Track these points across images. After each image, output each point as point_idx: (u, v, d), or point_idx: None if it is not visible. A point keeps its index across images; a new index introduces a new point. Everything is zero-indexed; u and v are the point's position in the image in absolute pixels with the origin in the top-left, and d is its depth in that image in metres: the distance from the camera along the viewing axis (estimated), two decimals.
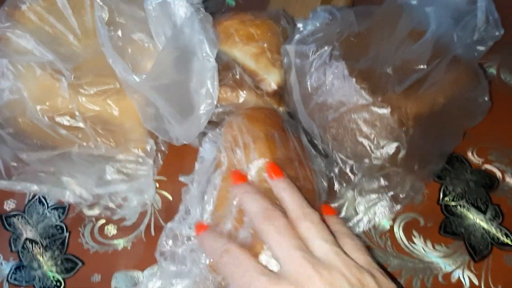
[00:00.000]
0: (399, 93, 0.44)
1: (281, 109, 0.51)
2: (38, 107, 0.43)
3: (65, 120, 0.44)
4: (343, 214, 0.49)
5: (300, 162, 0.43)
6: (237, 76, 0.49)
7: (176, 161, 0.54)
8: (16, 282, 0.48)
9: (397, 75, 0.44)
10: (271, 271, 0.32)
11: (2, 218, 0.52)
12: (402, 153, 0.44)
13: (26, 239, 0.50)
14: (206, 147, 0.44)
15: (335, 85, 0.45)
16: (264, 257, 0.35)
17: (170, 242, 0.41)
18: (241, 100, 0.49)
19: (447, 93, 0.46)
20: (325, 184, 0.46)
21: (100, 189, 0.48)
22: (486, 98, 0.48)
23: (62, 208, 0.52)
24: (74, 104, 0.44)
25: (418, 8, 0.53)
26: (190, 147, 0.52)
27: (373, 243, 0.48)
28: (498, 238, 0.47)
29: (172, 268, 0.40)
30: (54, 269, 0.48)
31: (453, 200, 0.50)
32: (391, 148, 0.44)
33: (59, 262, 0.49)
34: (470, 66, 0.49)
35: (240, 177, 0.38)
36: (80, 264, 0.49)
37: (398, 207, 0.49)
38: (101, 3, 0.44)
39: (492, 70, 0.60)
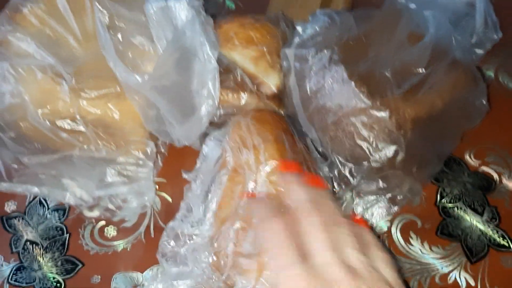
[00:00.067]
0: (397, 96, 0.44)
1: (280, 112, 0.51)
2: (39, 111, 0.43)
3: (66, 124, 0.44)
4: None
5: (307, 166, 0.43)
6: (238, 79, 0.49)
7: (176, 163, 0.54)
8: (16, 283, 0.48)
9: (395, 78, 0.45)
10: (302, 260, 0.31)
11: (2, 219, 0.52)
12: (400, 156, 0.45)
13: (27, 240, 0.50)
14: (210, 145, 0.44)
15: (335, 88, 0.45)
16: None
17: (172, 242, 0.41)
18: (242, 102, 0.49)
19: (445, 96, 0.47)
20: (330, 187, 0.46)
21: (101, 191, 0.49)
22: (484, 101, 0.49)
23: (62, 209, 0.52)
24: (75, 108, 0.44)
25: (416, 11, 0.53)
26: (190, 149, 0.52)
27: None
28: (494, 240, 0.48)
29: (174, 269, 0.40)
30: (54, 270, 0.49)
31: (450, 202, 0.50)
32: (389, 151, 0.45)
33: (59, 263, 0.49)
34: (468, 69, 0.49)
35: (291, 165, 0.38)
36: (80, 265, 0.49)
37: (396, 208, 0.50)
38: (101, 8, 0.44)
39: (490, 73, 0.60)
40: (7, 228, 0.51)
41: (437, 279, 0.46)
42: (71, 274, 0.48)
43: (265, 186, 0.39)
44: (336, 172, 0.48)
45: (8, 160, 0.47)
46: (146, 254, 0.49)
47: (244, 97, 0.49)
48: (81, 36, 0.50)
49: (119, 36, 0.46)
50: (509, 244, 0.47)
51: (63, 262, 0.49)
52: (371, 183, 0.48)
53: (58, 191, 0.49)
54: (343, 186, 0.48)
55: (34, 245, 0.50)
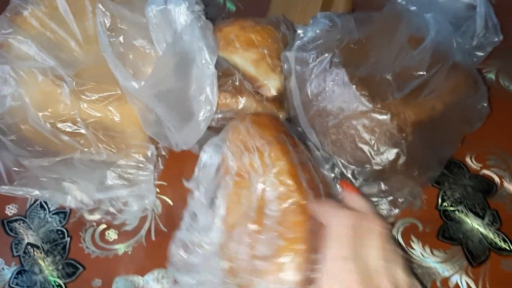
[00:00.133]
0: (398, 99, 0.44)
1: (280, 115, 0.51)
2: (40, 114, 0.43)
3: (67, 126, 0.44)
4: None
5: (312, 166, 0.44)
6: (237, 83, 0.49)
7: (176, 166, 0.54)
8: (18, 287, 0.48)
9: (396, 81, 0.45)
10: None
11: (3, 223, 0.52)
12: (402, 159, 0.45)
13: (28, 243, 0.50)
14: (208, 152, 0.44)
15: (335, 91, 0.45)
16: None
17: (182, 251, 0.41)
18: (240, 106, 0.49)
19: (446, 99, 0.47)
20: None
21: (101, 194, 0.49)
22: (485, 104, 0.49)
23: (63, 213, 0.52)
24: (75, 110, 0.44)
25: (417, 14, 0.53)
26: (191, 152, 0.52)
27: None
28: (495, 244, 0.48)
29: (188, 279, 0.40)
30: (55, 273, 0.49)
31: (451, 206, 0.50)
32: (391, 154, 0.45)
33: (60, 267, 0.49)
34: (469, 72, 0.49)
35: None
36: (81, 268, 0.49)
37: (397, 211, 0.50)
38: (103, 9, 0.44)
39: (491, 76, 0.60)
40: (8, 231, 0.51)
41: (438, 283, 0.46)
42: (72, 278, 0.48)
43: (273, 187, 0.39)
44: (338, 174, 0.48)
45: (9, 163, 0.47)
46: (147, 258, 0.49)
47: (242, 101, 0.49)
48: (82, 39, 0.50)
49: (121, 38, 0.46)
50: (510, 248, 0.47)
51: (64, 266, 0.49)
52: (373, 185, 0.48)
53: (59, 194, 0.49)
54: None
55: (35, 248, 0.50)
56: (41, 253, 0.50)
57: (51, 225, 0.51)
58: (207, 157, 0.44)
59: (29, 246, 0.50)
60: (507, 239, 0.48)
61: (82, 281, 0.48)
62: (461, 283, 0.46)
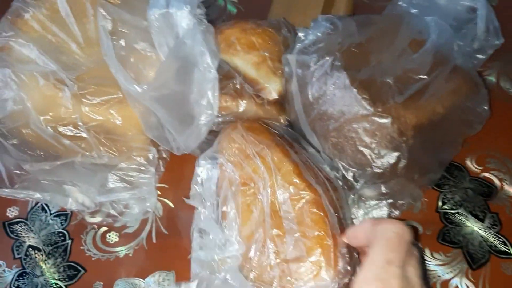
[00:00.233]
0: (399, 103, 0.44)
1: (281, 118, 0.51)
2: (42, 117, 0.43)
3: (68, 130, 0.44)
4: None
5: (313, 163, 0.44)
6: (237, 86, 0.49)
7: (177, 168, 0.54)
8: None
9: (397, 85, 0.45)
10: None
11: (5, 225, 0.52)
12: (402, 163, 0.45)
13: (29, 246, 0.51)
14: (204, 165, 0.44)
15: (336, 95, 0.45)
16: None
17: (208, 272, 0.40)
18: (241, 109, 0.49)
19: (447, 102, 0.47)
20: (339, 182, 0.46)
21: (103, 197, 0.49)
22: (486, 107, 0.49)
23: (64, 215, 0.52)
24: (77, 114, 0.44)
25: (418, 17, 0.53)
26: (192, 154, 0.52)
27: None
28: (495, 247, 0.48)
29: None
30: (56, 276, 0.49)
31: (451, 208, 0.50)
32: (391, 157, 0.45)
33: (61, 269, 0.49)
34: (470, 75, 0.50)
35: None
36: (82, 271, 0.49)
37: (397, 213, 0.50)
38: (104, 13, 0.44)
39: (492, 78, 0.60)
40: (9, 234, 0.52)
41: (438, 286, 0.46)
42: (74, 280, 0.48)
43: (283, 189, 0.39)
44: (339, 176, 0.48)
45: (10, 166, 0.47)
46: (148, 260, 0.49)
47: (243, 104, 0.49)
48: (83, 42, 0.50)
49: (122, 41, 0.46)
50: (510, 251, 0.47)
51: (66, 268, 0.49)
52: (373, 188, 0.48)
53: (60, 196, 0.49)
54: (346, 190, 0.49)
55: (36, 251, 0.50)
56: (42, 255, 0.50)
57: (52, 228, 0.52)
58: (204, 171, 0.44)
59: (30, 249, 0.50)
60: (507, 242, 0.48)
61: (83, 284, 0.48)
62: (461, 286, 0.46)
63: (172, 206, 0.52)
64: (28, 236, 0.51)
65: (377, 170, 0.46)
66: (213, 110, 0.44)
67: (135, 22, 0.47)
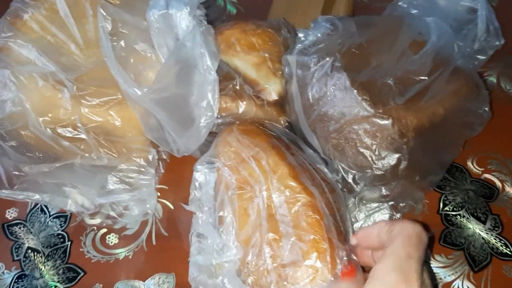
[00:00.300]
0: (400, 104, 0.44)
1: (281, 119, 0.51)
2: (41, 119, 0.43)
3: (68, 132, 0.44)
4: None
5: (309, 164, 0.44)
6: (237, 87, 0.49)
7: (177, 169, 0.54)
8: None
9: (398, 86, 0.45)
10: None
11: (4, 227, 0.52)
12: (403, 164, 0.45)
13: (28, 248, 0.50)
14: (202, 170, 0.44)
15: (337, 96, 0.45)
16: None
17: (205, 276, 0.40)
18: (240, 110, 0.49)
19: (447, 104, 0.47)
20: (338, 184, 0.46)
21: (102, 199, 0.48)
22: (487, 109, 0.49)
23: (63, 217, 0.52)
24: (76, 115, 0.44)
25: (418, 18, 0.53)
26: (192, 156, 0.52)
27: None
28: (497, 249, 0.47)
29: None
30: (56, 278, 0.48)
31: (453, 210, 0.50)
32: (392, 159, 0.45)
33: (60, 272, 0.49)
34: (471, 77, 0.49)
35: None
36: (81, 273, 0.49)
37: (398, 215, 0.49)
38: (105, 14, 0.44)
39: (492, 79, 0.60)
40: (9, 235, 0.51)
41: None
42: (73, 283, 0.48)
43: (279, 192, 0.39)
44: (339, 178, 0.48)
45: (10, 167, 0.46)
46: (147, 262, 0.49)
47: (242, 105, 0.49)
48: (83, 43, 0.50)
49: (122, 42, 0.46)
50: (511, 253, 0.47)
51: (65, 270, 0.49)
52: (374, 190, 0.48)
53: (60, 198, 0.49)
54: (347, 193, 0.48)
55: (35, 253, 0.50)
56: (41, 257, 0.50)
57: (51, 229, 0.51)
58: (202, 176, 0.44)
59: (30, 250, 0.50)
60: (509, 244, 0.48)
61: (83, 286, 0.48)
62: None
63: (172, 207, 0.52)
64: (27, 238, 0.51)
65: (377, 172, 0.45)
66: (213, 112, 0.44)
67: (135, 22, 0.47)
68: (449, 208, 0.50)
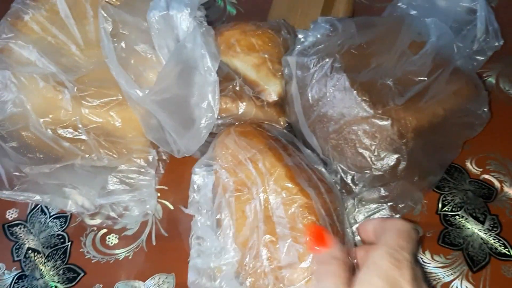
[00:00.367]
0: (399, 105, 0.44)
1: (281, 120, 0.51)
2: (41, 120, 0.43)
3: (68, 132, 0.44)
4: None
5: (307, 165, 0.44)
6: (237, 88, 0.49)
7: (177, 170, 0.54)
8: None
9: (397, 87, 0.45)
10: None
11: (4, 227, 0.52)
12: (402, 165, 0.45)
13: (28, 248, 0.50)
14: (200, 173, 0.44)
15: (336, 97, 0.45)
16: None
17: (204, 280, 0.40)
18: (240, 111, 0.49)
19: (447, 104, 0.47)
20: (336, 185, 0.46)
21: (103, 200, 0.49)
22: (486, 109, 0.49)
23: (64, 217, 0.52)
24: (77, 116, 0.44)
25: (418, 18, 0.53)
26: (191, 156, 0.52)
27: None
28: (496, 249, 0.48)
29: None
30: (56, 279, 0.49)
31: (452, 211, 0.50)
32: (391, 159, 0.45)
33: (61, 272, 0.49)
34: (470, 77, 0.49)
35: (317, 232, 0.36)
36: (82, 273, 0.49)
37: (397, 216, 0.50)
38: (105, 15, 0.44)
39: (492, 80, 0.60)
40: (9, 236, 0.51)
41: None
42: (73, 283, 0.48)
43: (275, 194, 0.39)
44: (338, 179, 0.48)
45: (10, 168, 0.47)
46: (147, 263, 0.49)
47: (242, 106, 0.49)
48: (83, 44, 0.50)
49: (123, 43, 0.46)
50: (510, 253, 0.47)
51: (65, 271, 0.49)
52: (373, 191, 0.48)
53: (60, 199, 0.49)
54: (345, 194, 0.49)
55: (35, 253, 0.50)
56: (41, 258, 0.50)
57: (51, 230, 0.51)
58: (200, 178, 0.44)
59: (30, 251, 0.50)
60: (507, 245, 0.48)
61: (83, 286, 0.48)
62: None
63: (172, 208, 0.52)
64: (27, 238, 0.51)
65: (376, 173, 0.45)
66: (213, 113, 0.44)
67: (135, 23, 0.47)
68: (448, 208, 0.51)
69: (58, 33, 0.49)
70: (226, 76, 0.50)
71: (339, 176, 0.48)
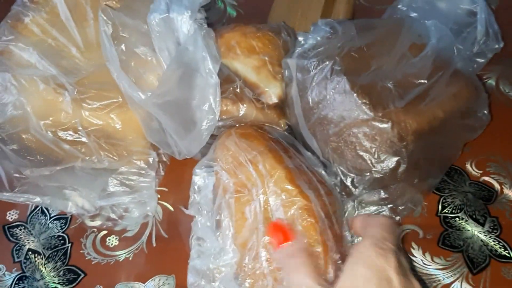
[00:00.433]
0: (400, 108, 0.44)
1: (281, 122, 0.51)
2: (42, 122, 0.43)
3: (68, 135, 0.44)
4: None
5: (307, 167, 0.44)
6: (238, 90, 0.49)
7: (177, 171, 0.54)
8: None
9: (398, 90, 0.45)
10: None
11: (5, 228, 0.52)
12: (402, 167, 0.45)
13: (29, 249, 0.51)
14: (200, 174, 0.44)
15: (337, 99, 0.45)
16: None
17: (203, 281, 0.40)
18: (241, 113, 0.49)
19: (447, 107, 0.47)
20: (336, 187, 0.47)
21: (103, 201, 0.49)
22: (486, 112, 0.49)
23: (64, 218, 0.52)
24: (77, 119, 0.44)
25: (418, 20, 0.53)
26: (191, 158, 0.52)
27: None
28: (496, 251, 0.48)
29: None
30: (56, 280, 0.49)
31: (452, 212, 0.50)
32: (391, 162, 0.45)
33: (61, 273, 0.49)
34: (470, 80, 0.50)
35: (285, 234, 0.37)
36: (82, 275, 0.49)
37: (397, 218, 0.50)
38: (105, 18, 0.44)
39: (492, 82, 0.60)
40: (9, 237, 0.52)
41: None
42: (73, 284, 0.48)
43: (275, 195, 0.39)
44: (338, 181, 0.48)
45: (10, 170, 0.47)
46: (147, 264, 0.49)
47: (243, 108, 0.49)
48: (83, 46, 0.50)
49: (123, 46, 0.46)
50: (510, 255, 0.47)
51: (65, 272, 0.49)
52: (373, 193, 0.48)
53: (60, 200, 0.49)
54: (345, 196, 0.49)
55: (36, 254, 0.50)
56: (42, 259, 0.50)
57: (52, 231, 0.52)
58: (201, 180, 0.44)
59: (30, 252, 0.50)
60: (507, 247, 0.48)
61: None
62: None
63: (172, 209, 0.52)
64: (28, 240, 0.51)
65: (376, 175, 0.46)
66: (215, 115, 0.44)
67: (135, 26, 0.47)
68: (448, 210, 0.51)
69: (58, 35, 0.49)
70: (226, 78, 0.50)
71: (339, 178, 0.48)
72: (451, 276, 0.47)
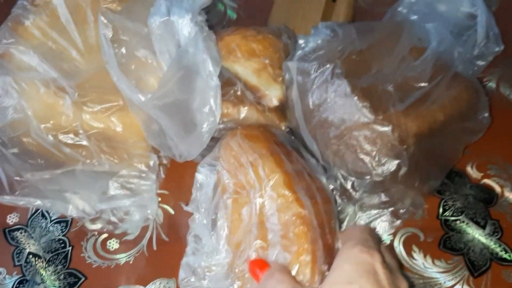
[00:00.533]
0: (400, 111, 0.44)
1: (282, 125, 0.51)
2: (42, 126, 0.43)
3: (69, 138, 0.44)
4: (343, 228, 0.49)
5: (308, 173, 0.44)
6: (238, 92, 0.49)
7: (178, 174, 0.54)
8: None
9: (398, 93, 0.45)
10: None
11: (5, 232, 0.52)
12: (403, 170, 0.45)
13: (29, 253, 0.50)
14: (203, 172, 0.44)
15: (337, 102, 0.45)
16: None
17: (193, 278, 0.40)
18: (242, 115, 0.49)
19: (448, 110, 0.47)
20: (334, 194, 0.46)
21: (104, 205, 0.49)
22: (486, 115, 0.49)
23: (64, 222, 0.52)
24: (77, 122, 0.44)
25: (418, 23, 0.53)
26: (192, 161, 0.52)
27: None
28: (497, 254, 0.48)
29: None
30: (56, 283, 0.49)
31: (452, 215, 0.50)
32: (392, 165, 0.45)
33: (62, 277, 0.49)
34: (470, 83, 0.50)
35: (261, 265, 0.36)
36: (82, 278, 0.49)
37: (398, 222, 0.50)
38: (105, 21, 0.44)
39: (492, 84, 0.60)
40: (10, 240, 0.51)
41: None
42: None
43: (271, 200, 0.39)
44: (338, 185, 0.48)
45: (11, 173, 0.47)
46: (148, 267, 0.49)
47: (244, 111, 0.49)
48: (84, 49, 0.50)
49: (123, 49, 0.46)
50: (511, 258, 0.47)
51: (66, 276, 0.49)
52: (374, 197, 0.48)
53: (61, 203, 0.49)
54: (345, 200, 0.49)
55: (36, 258, 0.50)
56: (42, 262, 0.50)
57: (52, 234, 0.51)
58: (203, 177, 0.44)
59: (31, 256, 0.50)
60: (508, 249, 0.48)
61: None
62: None
63: (173, 212, 0.52)
64: (28, 243, 0.51)
65: (377, 178, 0.46)
66: (215, 117, 0.44)
67: (135, 29, 0.47)
68: (448, 213, 0.51)
69: (58, 38, 0.49)
70: (227, 81, 0.50)
71: (339, 182, 0.48)
72: (452, 279, 0.47)
